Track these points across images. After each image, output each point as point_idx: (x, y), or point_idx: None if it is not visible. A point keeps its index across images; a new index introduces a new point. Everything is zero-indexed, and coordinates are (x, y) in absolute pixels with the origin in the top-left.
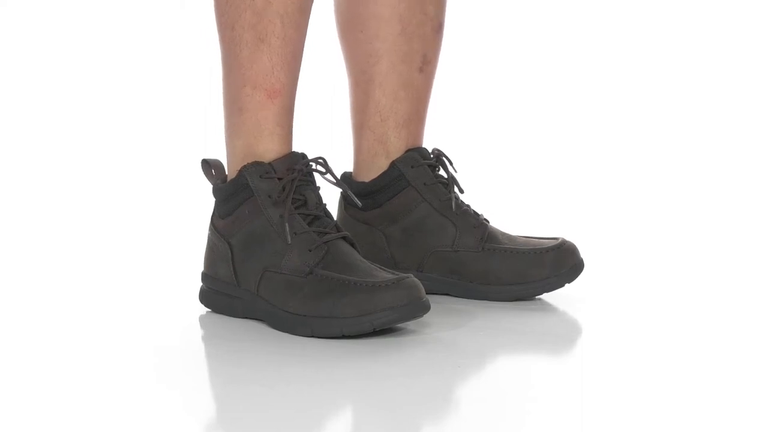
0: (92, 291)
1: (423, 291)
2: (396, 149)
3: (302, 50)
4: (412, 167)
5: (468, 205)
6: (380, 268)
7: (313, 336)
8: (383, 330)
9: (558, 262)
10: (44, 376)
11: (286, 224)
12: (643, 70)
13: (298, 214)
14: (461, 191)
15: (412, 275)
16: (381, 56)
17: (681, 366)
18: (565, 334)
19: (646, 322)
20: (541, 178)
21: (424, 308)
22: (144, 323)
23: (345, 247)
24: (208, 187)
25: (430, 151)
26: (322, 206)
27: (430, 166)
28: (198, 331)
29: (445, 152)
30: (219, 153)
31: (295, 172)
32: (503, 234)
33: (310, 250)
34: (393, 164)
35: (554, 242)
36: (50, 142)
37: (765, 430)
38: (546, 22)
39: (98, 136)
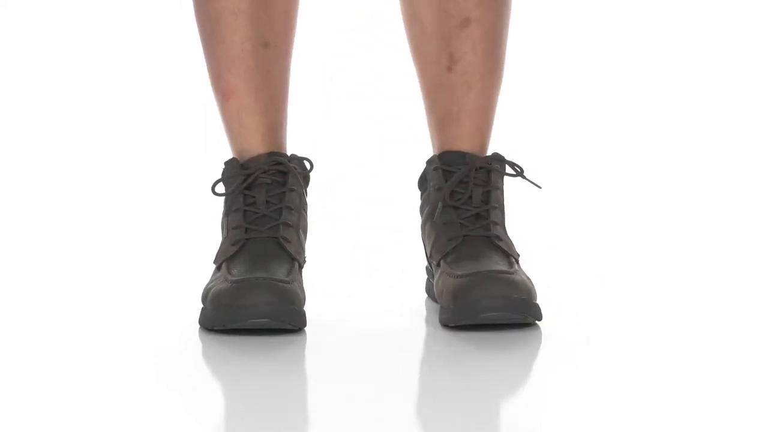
0: (92, 290)
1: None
2: (437, 148)
3: (256, 51)
4: (434, 169)
5: (470, 222)
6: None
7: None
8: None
9: (459, 295)
10: (44, 376)
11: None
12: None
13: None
14: (476, 202)
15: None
16: (414, 57)
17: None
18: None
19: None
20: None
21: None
22: (144, 323)
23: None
24: (207, 185)
25: (481, 156)
26: (272, 206)
27: (446, 171)
28: (198, 331)
29: (495, 163)
30: (220, 152)
31: (254, 172)
32: (484, 256)
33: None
34: (427, 162)
35: (471, 272)
36: (51, 142)
37: None
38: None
39: (99, 136)
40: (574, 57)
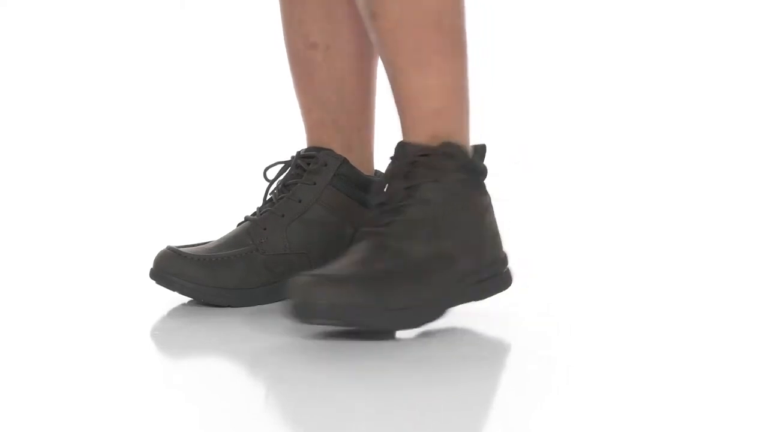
0: (92, 290)
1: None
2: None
3: (302, 51)
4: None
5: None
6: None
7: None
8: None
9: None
10: (43, 376)
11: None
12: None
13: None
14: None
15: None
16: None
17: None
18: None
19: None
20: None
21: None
22: (143, 323)
23: None
24: (207, 182)
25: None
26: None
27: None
28: (197, 331)
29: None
30: (222, 150)
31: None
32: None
33: None
34: None
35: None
36: (51, 141)
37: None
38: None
39: (99, 135)
40: (572, 60)
